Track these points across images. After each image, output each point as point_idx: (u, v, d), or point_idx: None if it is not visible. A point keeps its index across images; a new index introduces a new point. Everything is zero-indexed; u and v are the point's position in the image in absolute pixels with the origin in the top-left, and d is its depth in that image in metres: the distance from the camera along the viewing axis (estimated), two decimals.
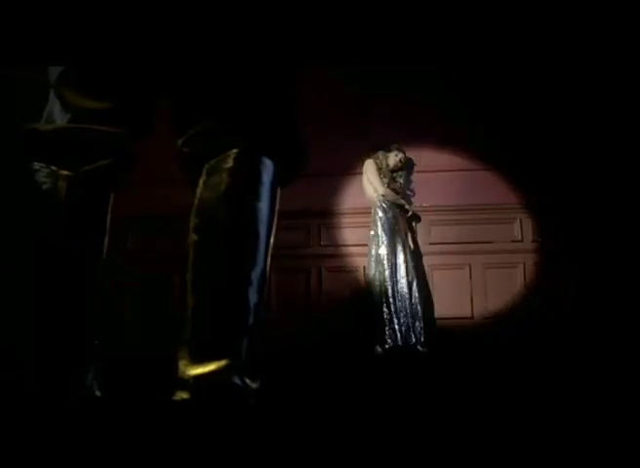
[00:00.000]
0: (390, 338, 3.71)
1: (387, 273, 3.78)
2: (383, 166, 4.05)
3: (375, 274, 3.83)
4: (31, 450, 0.78)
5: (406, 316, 3.75)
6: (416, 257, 3.94)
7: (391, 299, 3.75)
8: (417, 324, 3.76)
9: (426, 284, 4.01)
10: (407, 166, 4.21)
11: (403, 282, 3.80)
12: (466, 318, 4.29)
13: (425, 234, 4.47)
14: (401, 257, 3.83)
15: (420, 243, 4.41)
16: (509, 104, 4.37)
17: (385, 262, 3.81)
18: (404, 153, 4.13)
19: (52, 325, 0.93)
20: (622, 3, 0.96)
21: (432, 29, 0.98)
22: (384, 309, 3.74)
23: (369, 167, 4.03)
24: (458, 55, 1.03)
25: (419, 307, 3.77)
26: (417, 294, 3.79)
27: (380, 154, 4.09)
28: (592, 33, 0.98)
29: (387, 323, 3.72)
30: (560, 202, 4.29)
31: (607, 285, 4.05)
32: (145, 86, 1.01)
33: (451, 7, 0.98)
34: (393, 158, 4.09)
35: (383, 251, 3.83)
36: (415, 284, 3.81)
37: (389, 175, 4.04)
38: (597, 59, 3.34)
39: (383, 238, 3.86)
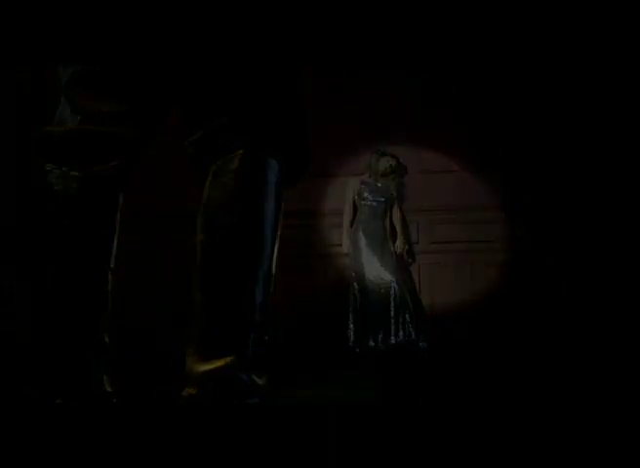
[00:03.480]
0: (356, 338, 3.89)
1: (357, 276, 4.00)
2: (373, 169, 4.25)
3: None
4: (35, 444, 0.79)
5: (384, 315, 3.89)
6: (392, 259, 4.05)
7: (359, 302, 3.95)
8: (400, 320, 3.89)
9: (411, 283, 4.19)
10: (399, 172, 4.35)
11: (375, 282, 3.96)
12: (467, 316, 4.29)
13: (428, 233, 4.52)
14: (375, 261, 4.00)
15: (422, 242, 4.47)
16: (511, 105, 4.37)
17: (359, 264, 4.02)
18: (396, 160, 4.28)
19: (61, 322, 0.95)
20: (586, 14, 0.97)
21: (433, 30, 0.99)
22: (352, 308, 3.97)
23: (346, 189, 4.26)
24: (457, 56, 1.04)
25: (392, 304, 3.89)
26: (397, 294, 3.91)
27: (373, 157, 4.26)
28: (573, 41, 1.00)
29: (352, 322, 3.94)
30: (560, 202, 4.29)
31: (606, 284, 4.05)
32: (154, 88, 1.02)
33: (450, 10, 0.99)
34: (384, 163, 4.24)
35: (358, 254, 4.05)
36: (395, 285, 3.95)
37: (375, 178, 4.25)
38: (598, 64, 3.35)
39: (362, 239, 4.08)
